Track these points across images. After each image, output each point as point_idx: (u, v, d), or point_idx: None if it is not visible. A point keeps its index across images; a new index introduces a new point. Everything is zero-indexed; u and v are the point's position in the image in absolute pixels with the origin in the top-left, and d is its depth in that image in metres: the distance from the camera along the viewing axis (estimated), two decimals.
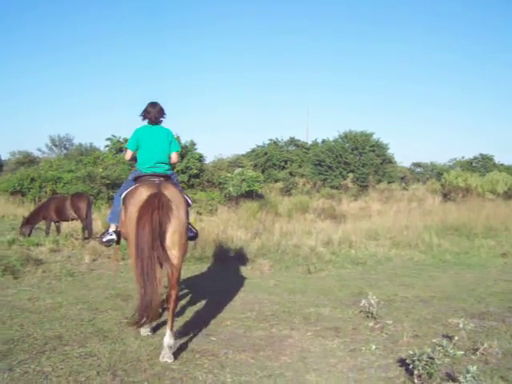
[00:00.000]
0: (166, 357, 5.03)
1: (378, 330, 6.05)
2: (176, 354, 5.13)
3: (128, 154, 6.48)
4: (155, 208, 5.17)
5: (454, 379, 4.25)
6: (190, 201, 6.11)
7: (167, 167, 6.23)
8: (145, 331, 5.93)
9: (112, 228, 6.29)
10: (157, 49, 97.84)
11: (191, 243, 8.64)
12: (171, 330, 5.24)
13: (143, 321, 5.06)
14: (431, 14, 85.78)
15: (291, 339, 5.73)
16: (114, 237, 6.26)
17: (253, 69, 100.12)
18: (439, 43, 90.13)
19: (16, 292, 7.87)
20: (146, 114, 6.29)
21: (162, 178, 5.94)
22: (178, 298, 5.98)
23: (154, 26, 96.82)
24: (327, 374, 4.69)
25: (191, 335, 5.81)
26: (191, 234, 6.30)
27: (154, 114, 6.26)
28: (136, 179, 6.06)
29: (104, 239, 6.32)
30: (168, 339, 5.13)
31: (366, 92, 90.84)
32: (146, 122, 6.32)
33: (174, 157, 6.38)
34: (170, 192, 5.49)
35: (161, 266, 5.23)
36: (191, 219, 7.16)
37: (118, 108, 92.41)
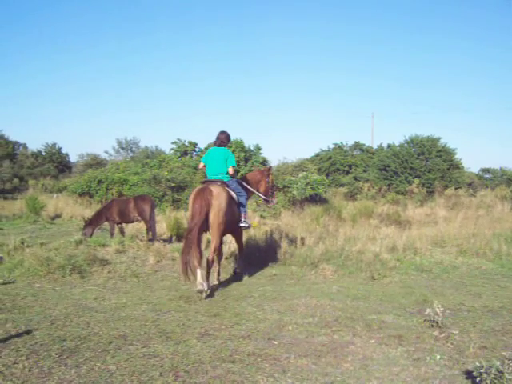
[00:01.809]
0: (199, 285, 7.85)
1: (443, 340, 5.89)
2: (237, 357, 5.14)
3: (200, 165, 9.67)
4: (198, 196, 8.40)
5: None
6: (234, 195, 9.00)
7: (224, 176, 9.13)
8: (201, 288, 7.87)
9: None
10: (224, 59, 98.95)
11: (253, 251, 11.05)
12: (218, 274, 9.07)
13: (185, 270, 8.00)
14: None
15: (353, 346, 5.66)
16: None
17: (320, 71, 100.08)
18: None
19: (83, 291, 8.11)
20: (216, 139, 9.41)
21: (218, 183, 8.87)
22: (215, 261, 8.78)
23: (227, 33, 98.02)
24: (389, 382, 4.62)
25: (253, 339, 5.82)
26: (245, 225, 9.39)
27: (219, 139, 9.37)
28: (202, 182, 9.49)
29: None
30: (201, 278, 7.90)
31: (434, 96, 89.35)
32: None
33: (230, 170, 9.17)
34: (215, 188, 8.52)
35: (200, 233, 8.32)
36: (254, 223, 10.06)
37: (184, 113, 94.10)
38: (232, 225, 9.05)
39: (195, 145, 33.38)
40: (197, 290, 7.90)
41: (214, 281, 8.98)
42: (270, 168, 10.93)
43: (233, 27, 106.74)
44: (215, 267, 9.06)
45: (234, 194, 8.95)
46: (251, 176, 10.50)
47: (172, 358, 5.08)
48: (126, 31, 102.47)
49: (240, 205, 9.27)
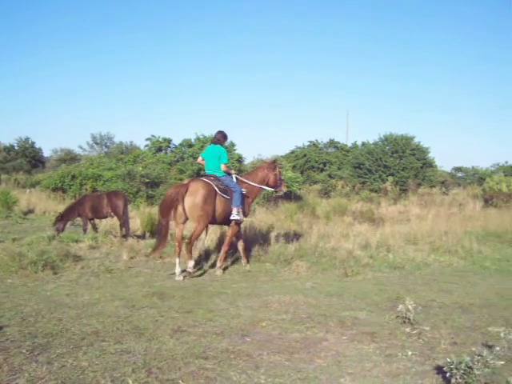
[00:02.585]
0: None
1: (415, 336, 5.95)
2: (211, 353, 5.15)
3: (199, 159, 10.48)
4: (174, 190, 9.44)
5: None
6: (217, 190, 9.55)
7: (217, 171, 9.92)
8: (179, 275, 9.15)
9: None
10: (200, 55, 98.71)
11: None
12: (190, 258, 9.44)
13: (157, 249, 9.70)
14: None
15: (326, 342, 5.69)
16: None
17: (294, 69, 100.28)
18: (477, 51, 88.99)
19: (55, 287, 8.03)
20: (213, 138, 10.27)
21: (211, 177, 9.75)
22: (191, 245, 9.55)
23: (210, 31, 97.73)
24: (362, 378, 4.64)
25: (226, 335, 5.81)
26: (236, 218, 9.83)
27: (216, 138, 10.19)
28: (200, 176, 10.43)
29: None
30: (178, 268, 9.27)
31: (408, 96, 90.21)
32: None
33: (222, 167, 9.92)
34: (194, 184, 9.44)
35: (177, 220, 9.49)
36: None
37: (158, 109, 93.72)
38: (221, 217, 9.83)
39: (169, 141, 33.13)
40: (176, 279, 9.05)
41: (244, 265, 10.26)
42: (275, 161, 11.37)
43: (199, 24, 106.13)
44: (223, 255, 10.06)
45: (217, 188, 9.58)
46: (258, 172, 10.90)
47: (145, 355, 5.04)
48: (101, 29, 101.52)
49: (233, 199, 9.81)
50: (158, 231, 9.91)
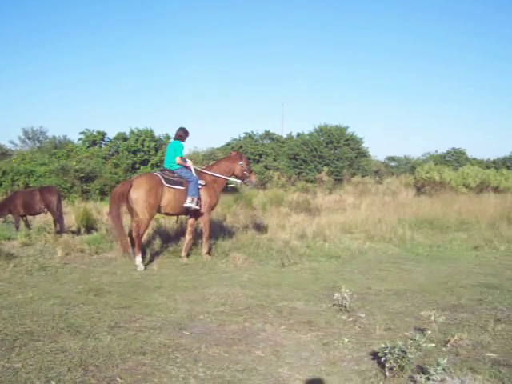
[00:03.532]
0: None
1: (351, 324, 6.06)
2: (148, 348, 5.10)
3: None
4: (119, 188, 9.97)
5: (424, 372, 4.28)
6: (164, 182, 9.93)
7: (173, 165, 10.30)
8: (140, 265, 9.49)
9: None
10: (132, 42, 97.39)
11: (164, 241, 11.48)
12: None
13: (122, 243, 9.79)
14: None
15: (264, 333, 5.72)
16: None
17: (227, 61, 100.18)
18: (415, 33, 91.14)
19: None
20: (175, 134, 10.68)
21: (166, 171, 10.26)
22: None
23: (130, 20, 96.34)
24: (300, 367, 4.69)
25: (164, 330, 5.77)
26: (189, 205, 10.04)
27: (177, 134, 10.64)
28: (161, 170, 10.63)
29: None
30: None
31: (341, 85, 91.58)
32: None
33: (177, 159, 10.27)
34: (138, 180, 9.99)
35: (131, 215, 10.01)
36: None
37: (93, 102, 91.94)
38: (176, 208, 10.20)
39: (104, 134, 32.67)
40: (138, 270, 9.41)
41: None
42: (238, 152, 11.75)
43: (124, 13, 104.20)
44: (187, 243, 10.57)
45: (164, 181, 9.95)
46: (222, 163, 11.18)
47: (81, 353, 4.94)
48: (29, 23, 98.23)
49: (188, 189, 10.12)
50: (112, 226, 10.34)
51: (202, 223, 10.70)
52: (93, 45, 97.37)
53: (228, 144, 39.20)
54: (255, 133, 40.03)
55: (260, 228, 13.42)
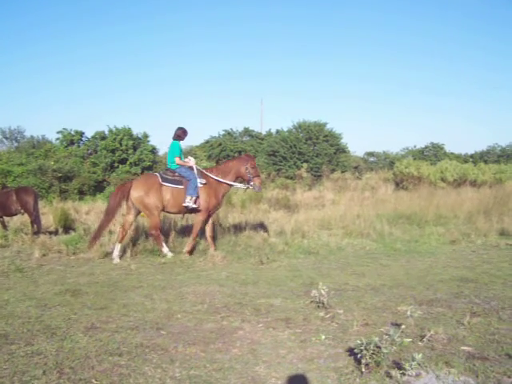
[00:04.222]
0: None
1: (329, 320, 6.06)
2: (125, 349, 5.06)
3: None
4: (119, 189, 10.49)
5: (400, 367, 4.29)
6: (160, 181, 10.21)
7: (172, 165, 10.50)
8: (116, 257, 10.04)
9: None
10: (112, 41, 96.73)
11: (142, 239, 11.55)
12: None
13: (94, 240, 10.36)
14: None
15: (242, 331, 5.70)
16: None
17: (205, 58, 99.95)
18: (391, 23, 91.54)
19: None
20: (173, 134, 10.78)
21: (168, 171, 10.52)
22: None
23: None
24: (277, 365, 4.68)
25: (141, 330, 5.73)
26: (188, 204, 10.15)
27: (176, 134, 10.74)
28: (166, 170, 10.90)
29: None
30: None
31: (320, 82, 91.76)
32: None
33: (176, 160, 10.47)
34: (137, 180, 10.55)
35: (128, 212, 10.42)
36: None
37: (71, 101, 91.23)
38: (176, 206, 10.36)
39: (82, 134, 32.42)
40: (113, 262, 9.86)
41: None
42: (248, 154, 11.80)
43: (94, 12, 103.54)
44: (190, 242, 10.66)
45: (161, 180, 10.25)
46: (229, 163, 11.13)
47: (56, 355, 4.89)
48: (5, 24, 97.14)
49: (186, 188, 10.22)
50: (99, 225, 10.63)
51: (195, 221, 10.73)
52: (71, 45, 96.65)
53: (207, 142, 39.16)
54: (234, 130, 40.05)
55: (239, 226, 13.40)
